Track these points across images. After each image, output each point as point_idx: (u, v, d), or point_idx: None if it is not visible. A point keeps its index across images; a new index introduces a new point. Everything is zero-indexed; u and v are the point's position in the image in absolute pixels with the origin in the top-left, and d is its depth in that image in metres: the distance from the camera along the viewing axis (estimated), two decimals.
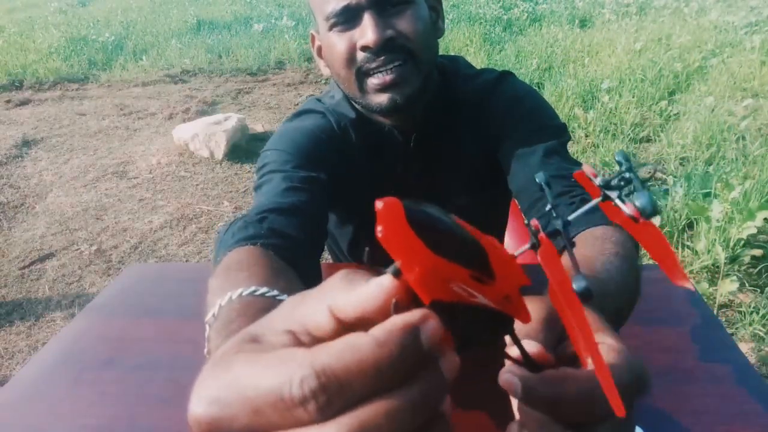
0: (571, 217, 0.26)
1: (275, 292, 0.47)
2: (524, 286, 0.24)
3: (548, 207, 0.26)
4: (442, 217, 0.21)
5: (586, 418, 0.28)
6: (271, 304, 0.46)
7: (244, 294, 0.46)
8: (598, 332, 0.33)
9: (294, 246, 0.60)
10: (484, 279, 0.22)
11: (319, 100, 0.88)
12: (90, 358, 0.79)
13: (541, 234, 0.25)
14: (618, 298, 0.49)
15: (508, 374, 0.28)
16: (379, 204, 0.20)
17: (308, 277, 0.59)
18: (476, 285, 0.22)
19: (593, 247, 0.55)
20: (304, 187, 0.70)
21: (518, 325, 0.26)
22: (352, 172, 0.83)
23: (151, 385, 0.73)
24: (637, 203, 0.24)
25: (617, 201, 0.26)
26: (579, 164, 0.74)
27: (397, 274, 0.20)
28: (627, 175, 0.26)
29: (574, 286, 0.22)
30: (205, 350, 0.46)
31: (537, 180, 0.29)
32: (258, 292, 0.46)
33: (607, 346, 0.31)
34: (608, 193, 0.26)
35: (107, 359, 0.78)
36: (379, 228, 0.19)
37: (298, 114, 0.86)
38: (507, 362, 0.29)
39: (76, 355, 0.80)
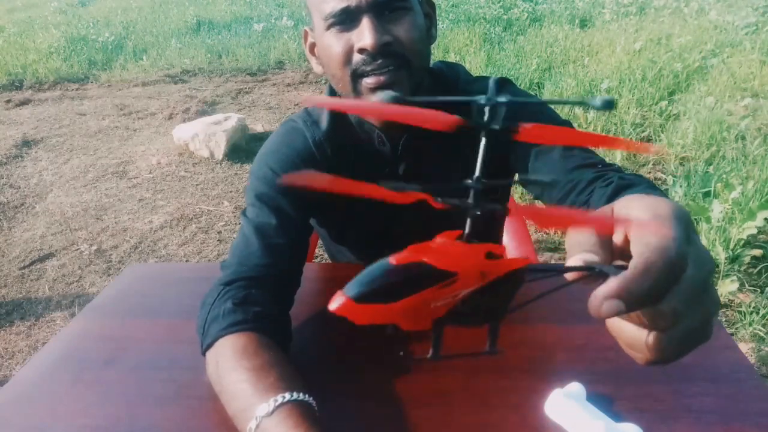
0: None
1: (304, 396, 0.59)
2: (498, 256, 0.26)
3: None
4: (379, 278, 0.24)
5: (668, 284, 0.28)
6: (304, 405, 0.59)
7: (278, 404, 0.57)
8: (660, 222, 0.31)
9: (274, 321, 0.71)
10: (450, 281, 0.24)
11: (306, 109, 0.89)
12: (90, 358, 0.79)
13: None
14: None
15: (605, 302, 0.27)
16: (331, 307, 0.23)
17: (283, 336, 0.72)
18: (449, 289, 0.25)
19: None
20: (279, 240, 0.76)
21: (578, 241, 0.32)
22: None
23: (151, 385, 0.73)
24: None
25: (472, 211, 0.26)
26: (597, 154, 0.77)
27: (394, 330, 0.24)
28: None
29: None
30: None
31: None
32: (288, 399, 0.58)
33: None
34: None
35: (107, 359, 0.78)
36: (355, 322, 0.23)
37: (283, 124, 0.89)
38: (595, 301, 0.27)
39: (76, 355, 0.80)
